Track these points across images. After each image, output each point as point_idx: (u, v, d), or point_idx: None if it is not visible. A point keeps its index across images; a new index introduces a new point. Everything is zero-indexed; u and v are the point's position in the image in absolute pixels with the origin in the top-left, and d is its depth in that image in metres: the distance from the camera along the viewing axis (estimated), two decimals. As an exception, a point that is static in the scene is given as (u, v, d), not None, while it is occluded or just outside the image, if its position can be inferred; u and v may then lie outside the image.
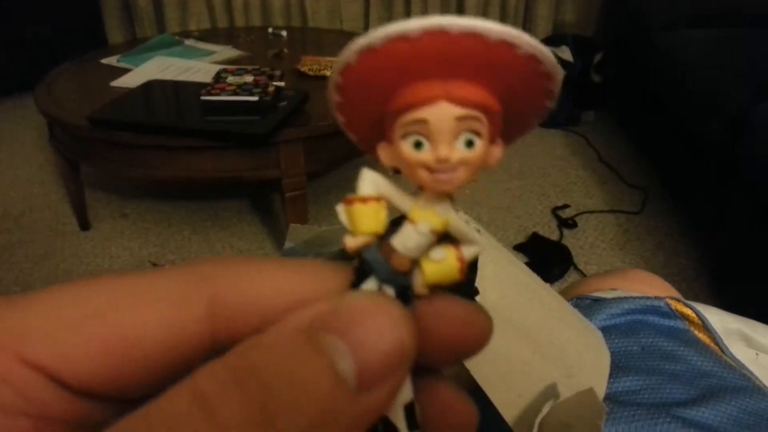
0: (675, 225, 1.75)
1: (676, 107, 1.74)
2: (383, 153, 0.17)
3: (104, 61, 1.81)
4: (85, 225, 1.76)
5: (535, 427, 0.37)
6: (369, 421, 0.13)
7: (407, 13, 2.76)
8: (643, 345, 0.50)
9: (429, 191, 0.16)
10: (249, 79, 1.45)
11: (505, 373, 0.41)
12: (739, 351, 0.52)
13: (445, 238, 0.16)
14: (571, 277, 1.56)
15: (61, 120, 1.47)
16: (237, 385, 0.12)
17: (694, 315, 0.54)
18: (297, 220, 1.48)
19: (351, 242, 0.16)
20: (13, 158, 2.15)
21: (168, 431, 0.11)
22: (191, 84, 1.57)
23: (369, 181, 0.17)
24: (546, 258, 1.59)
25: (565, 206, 1.83)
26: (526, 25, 2.93)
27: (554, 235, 1.71)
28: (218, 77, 1.48)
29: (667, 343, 0.50)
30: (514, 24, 2.97)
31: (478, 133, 0.15)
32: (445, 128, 0.15)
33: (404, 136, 0.16)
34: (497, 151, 0.17)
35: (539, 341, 0.43)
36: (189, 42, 1.97)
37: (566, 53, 2.31)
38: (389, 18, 2.73)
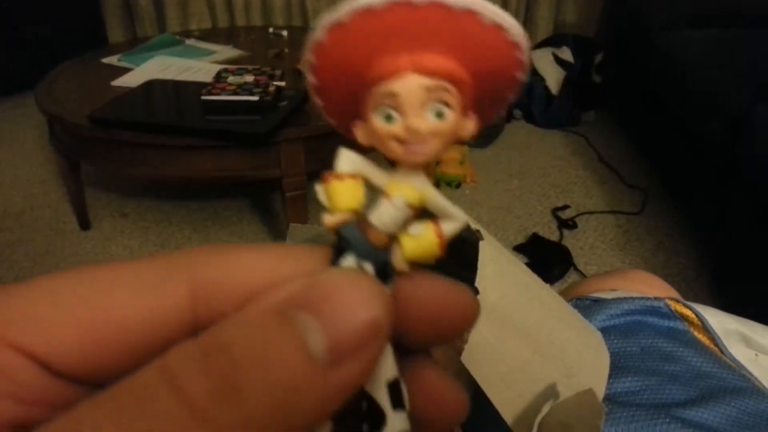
0: (675, 225, 1.75)
1: (676, 107, 1.74)
2: (359, 131, 0.17)
3: (105, 60, 1.81)
4: (85, 224, 1.76)
5: (534, 427, 0.37)
6: (343, 396, 0.13)
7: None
8: (643, 346, 0.50)
9: (403, 164, 0.16)
10: (249, 78, 1.45)
11: (505, 372, 0.41)
12: (738, 352, 0.52)
13: (427, 215, 0.16)
14: (571, 277, 1.56)
15: (62, 119, 1.47)
16: (204, 359, 0.12)
17: (693, 316, 0.55)
18: (297, 219, 1.48)
19: (328, 219, 0.16)
20: (13, 157, 2.15)
21: (136, 403, 0.12)
22: (192, 83, 1.57)
23: (346, 160, 0.17)
24: (546, 258, 1.59)
25: (565, 207, 1.83)
26: (527, 25, 2.93)
27: (554, 236, 1.71)
28: (219, 77, 1.48)
29: (667, 343, 0.50)
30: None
31: (448, 104, 0.16)
32: (413, 99, 0.15)
33: (375, 109, 0.16)
34: (470, 124, 0.17)
35: (539, 341, 0.43)
36: (190, 41, 1.97)
37: (567, 54, 2.31)
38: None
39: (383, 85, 0.16)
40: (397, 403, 0.15)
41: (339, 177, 0.16)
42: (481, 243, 0.42)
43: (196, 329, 0.14)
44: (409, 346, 0.16)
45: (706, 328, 0.53)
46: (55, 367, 0.13)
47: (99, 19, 2.80)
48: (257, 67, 1.55)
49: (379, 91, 0.16)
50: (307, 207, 1.51)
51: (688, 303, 0.56)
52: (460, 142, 0.17)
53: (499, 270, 0.43)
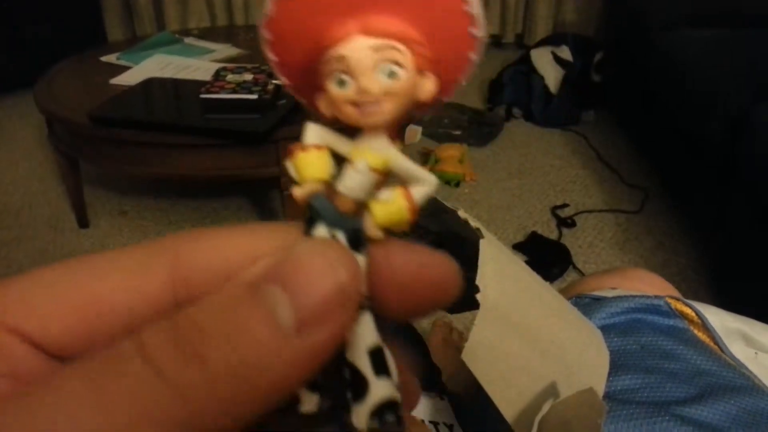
0: (674, 225, 1.75)
1: (675, 107, 1.74)
2: (321, 103, 0.17)
3: (104, 58, 1.80)
4: (84, 222, 1.76)
5: (535, 426, 0.37)
6: (313, 362, 0.13)
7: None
8: (643, 344, 0.50)
9: (361, 127, 0.16)
10: (248, 77, 1.45)
11: (506, 371, 0.41)
12: (738, 350, 0.52)
13: (399, 182, 0.17)
14: (570, 276, 1.56)
15: (61, 117, 1.47)
16: (173, 330, 0.13)
17: (693, 314, 0.55)
18: (296, 217, 1.48)
19: (297, 191, 0.17)
20: (12, 155, 2.15)
21: (109, 368, 0.13)
22: (191, 82, 1.57)
23: (311, 132, 0.17)
24: (545, 257, 1.59)
25: (565, 205, 1.83)
26: (527, 24, 2.93)
27: (553, 235, 1.71)
28: (218, 75, 1.47)
29: (667, 341, 0.50)
30: (515, 23, 2.95)
31: (399, 64, 0.16)
32: (362, 60, 0.15)
33: (329, 77, 0.16)
34: (428, 84, 0.17)
35: (540, 340, 0.43)
36: (188, 40, 1.97)
37: (566, 53, 2.31)
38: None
39: (333, 50, 0.16)
40: (380, 370, 0.15)
41: (304, 148, 0.17)
42: (481, 241, 0.42)
43: (177, 307, 0.15)
44: (388, 317, 0.17)
45: (705, 327, 0.53)
46: (48, 347, 0.14)
47: (98, 18, 2.79)
48: (256, 65, 1.55)
49: (329, 57, 0.16)
50: (307, 205, 1.51)
51: (688, 301, 0.56)
52: (424, 107, 0.17)
53: (500, 268, 0.43)
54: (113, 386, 0.12)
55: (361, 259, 0.16)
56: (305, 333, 0.13)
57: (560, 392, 0.40)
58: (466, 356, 0.38)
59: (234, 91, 1.39)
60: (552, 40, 2.42)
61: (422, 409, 0.53)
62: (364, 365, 0.15)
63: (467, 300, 0.41)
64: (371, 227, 0.16)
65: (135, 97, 1.51)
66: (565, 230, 1.72)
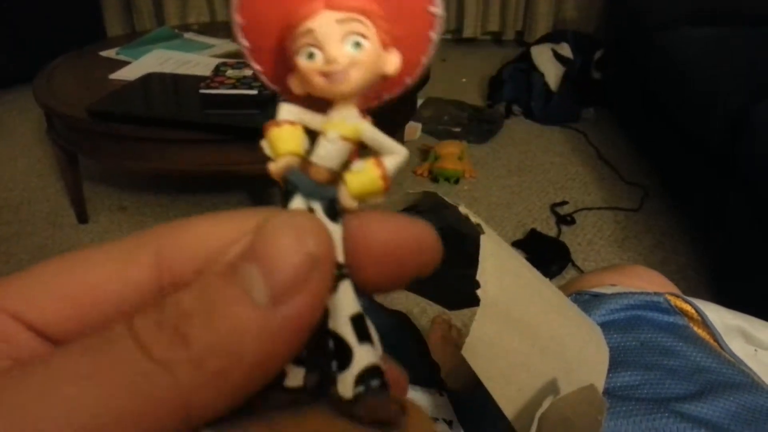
0: (674, 223, 1.75)
1: (675, 106, 1.74)
2: (293, 83, 0.18)
3: (103, 53, 1.80)
4: (83, 218, 1.76)
5: (535, 422, 0.37)
6: (292, 333, 0.14)
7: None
8: (642, 340, 0.50)
9: (333, 98, 0.17)
10: (248, 72, 1.45)
11: (505, 367, 0.41)
12: (737, 347, 0.52)
13: (372, 154, 0.17)
14: (569, 273, 1.56)
15: (60, 112, 1.47)
16: (160, 313, 0.14)
17: (693, 311, 0.55)
18: (296, 214, 1.48)
19: (273, 166, 0.17)
20: (11, 150, 2.15)
21: (101, 347, 0.13)
22: (190, 77, 1.57)
23: (284, 110, 0.18)
24: (544, 254, 1.59)
25: (564, 203, 1.83)
26: (527, 22, 2.93)
27: (552, 232, 1.71)
28: (217, 70, 1.47)
29: (666, 338, 0.51)
30: (515, 21, 2.94)
31: (364, 36, 0.17)
32: (329, 33, 0.16)
33: (298, 52, 0.17)
34: (393, 59, 0.18)
35: (539, 336, 0.43)
36: (188, 35, 1.97)
37: (566, 50, 2.31)
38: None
39: (301, 26, 0.17)
40: (362, 336, 0.16)
41: (277, 124, 0.17)
42: (481, 237, 0.42)
43: (162, 292, 0.16)
44: (369, 288, 0.17)
45: (705, 324, 0.53)
46: (44, 331, 0.15)
47: (98, 13, 2.79)
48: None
49: (298, 32, 0.17)
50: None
51: (688, 298, 0.56)
52: (391, 86, 0.18)
53: (500, 264, 0.43)
54: (107, 362, 0.13)
55: (337, 228, 0.16)
56: (281, 306, 0.14)
57: (560, 389, 0.40)
58: (466, 352, 0.38)
59: (234, 87, 1.39)
60: (552, 37, 2.42)
61: (421, 405, 0.53)
62: (347, 333, 0.16)
63: (467, 296, 0.41)
64: (345, 197, 0.17)
65: (134, 93, 1.51)
66: (564, 228, 1.73)
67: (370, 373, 0.15)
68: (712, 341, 0.53)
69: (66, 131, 1.55)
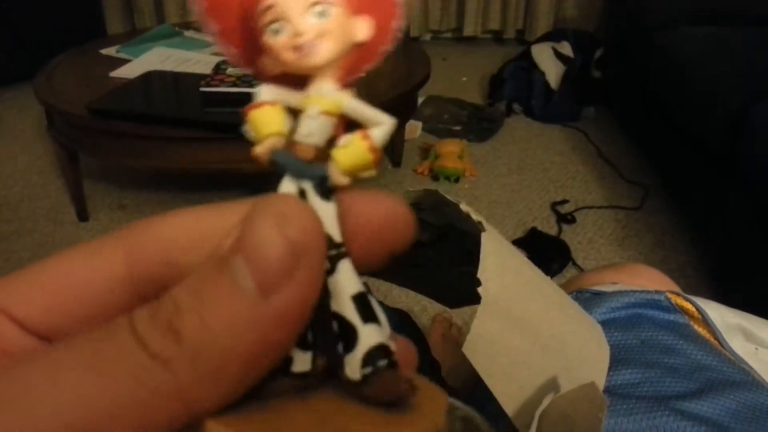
0: (674, 222, 1.75)
1: (675, 105, 1.74)
2: (266, 63, 0.17)
3: (103, 51, 1.80)
4: (83, 216, 1.76)
5: (535, 420, 0.37)
6: (288, 320, 0.14)
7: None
8: (643, 338, 0.50)
9: (307, 72, 0.17)
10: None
11: (506, 365, 0.41)
12: (738, 345, 0.52)
13: (357, 128, 0.17)
14: (570, 272, 1.56)
15: (61, 110, 1.47)
16: (155, 307, 0.14)
17: (694, 309, 0.55)
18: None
19: (257, 149, 0.17)
20: (12, 148, 2.14)
21: (103, 339, 0.14)
22: (191, 75, 1.57)
23: (264, 92, 0.17)
24: (544, 253, 1.59)
25: (564, 201, 1.83)
26: (527, 20, 2.92)
27: (553, 231, 1.71)
28: (218, 68, 1.47)
29: (667, 336, 0.51)
30: (516, 19, 2.94)
31: (329, 3, 0.16)
32: (291, 5, 0.16)
33: (265, 30, 0.16)
34: (363, 25, 0.17)
35: (540, 334, 0.43)
36: (189, 33, 1.96)
37: (566, 48, 2.30)
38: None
39: (263, 2, 0.16)
40: (366, 315, 0.15)
41: (257, 106, 0.17)
42: (483, 235, 0.42)
43: (134, 285, 0.16)
44: (361, 264, 0.17)
45: (706, 322, 0.53)
46: (30, 326, 0.16)
47: (98, 10, 2.78)
48: (257, 59, 1.55)
49: (261, 9, 0.16)
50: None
51: (689, 296, 0.56)
52: (366, 55, 0.18)
53: (501, 262, 0.43)
54: (108, 354, 0.13)
55: (330, 207, 0.16)
56: (271, 296, 0.13)
57: (561, 386, 0.40)
58: (467, 350, 0.38)
59: (234, 85, 1.39)
60: (553, 35, 2.42)
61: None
62: (350, 313, 0.15)
63: (468, 294, 0.41)
64: (336, 173, 0.16)
65: (135, 90, 1.51)
66: (564, 226, 1.73)
67: (377, 352, 0.15)
68: (712, 339, 0.53)
69: (66, 129, 1.55)
